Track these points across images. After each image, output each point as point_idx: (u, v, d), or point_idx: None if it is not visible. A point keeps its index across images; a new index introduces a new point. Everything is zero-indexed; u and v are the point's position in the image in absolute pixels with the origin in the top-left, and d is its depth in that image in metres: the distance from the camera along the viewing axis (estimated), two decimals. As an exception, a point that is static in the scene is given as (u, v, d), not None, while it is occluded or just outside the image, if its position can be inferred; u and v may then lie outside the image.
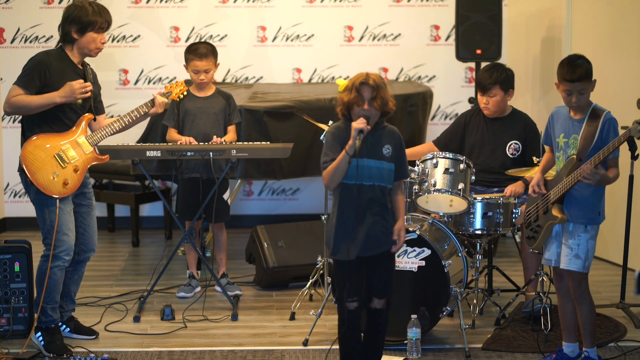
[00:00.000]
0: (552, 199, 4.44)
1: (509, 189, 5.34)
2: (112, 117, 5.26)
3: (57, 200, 4.71)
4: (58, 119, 4.76)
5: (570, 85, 4.35)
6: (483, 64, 6.47)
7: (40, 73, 4.69)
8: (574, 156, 4.35)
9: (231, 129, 5.85)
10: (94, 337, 5.04)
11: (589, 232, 4.40)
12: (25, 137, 4.77)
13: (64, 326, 5.03)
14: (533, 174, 5.17)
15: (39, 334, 4.82)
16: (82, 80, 4.75)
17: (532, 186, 4.57)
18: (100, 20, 4.79)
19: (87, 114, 4.85)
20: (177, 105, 5.81)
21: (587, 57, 4.43)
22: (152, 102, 5.02)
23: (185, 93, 5.38)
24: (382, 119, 4.21)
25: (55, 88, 4.70)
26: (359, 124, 4.08)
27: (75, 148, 4.79)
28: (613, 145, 4.20)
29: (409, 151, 5.85)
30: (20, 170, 4.75)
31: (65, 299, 5.02)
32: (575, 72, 4.35)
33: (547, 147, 4.64)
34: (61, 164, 4.73)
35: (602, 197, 4.42)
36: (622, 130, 4.24)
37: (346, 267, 4.20)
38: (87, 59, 4.92)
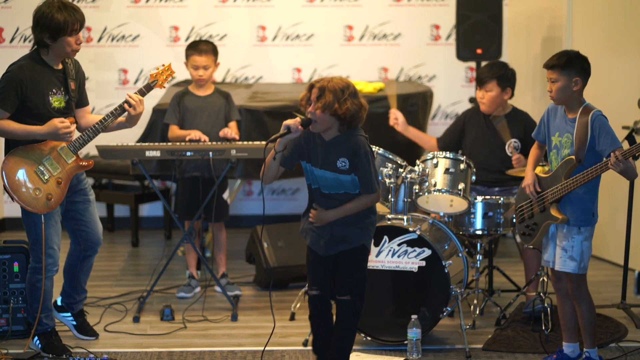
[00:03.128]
0: (550, 198, 4.42)
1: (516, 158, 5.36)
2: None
3: (42, 216, 4.62)
4: None
5: (546, 71, 4.35)
6: (483, 64, 6.46)
7: (16, 90, 4.52)
8: (572, 157, 4.33)
9: (232, 124, 5.85)
10: (94, 338, 5.02)
11: (582, 234, 4.39)
12: (9, 147, 4.65)
13: (72, 318, 5.01)
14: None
15: (36, 338, 4.82)
16: (63, 120, 4.56)
17: (527, 186, 4.53)
18: (71, 21, 4.53)
19: (67, 119, 4.66)
20: (178, 102, 5.81)
21: (588, 57, 4.41)
22: (128, 103, 4.68)
23: (174, 76, 4.95)
24: (345, 128, 4.06)
25: (33, 101, 4.56)
26: (290, 120, 4.04)
27: (56, 159, 4.64)
28: (630, 152, 4.16)
29: (414, 132, 5.89)
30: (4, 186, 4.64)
31: (77, 289, 4.99)
32: (552, 59, 4.35)
33: (536, 142, 4.61)
34: (43, 178, 4.61)
35: (596, 199, 4.40)
36: (623, 131, 4.23)
37: (311, 255, 4.25)
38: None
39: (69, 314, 5.03)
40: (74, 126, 4.64)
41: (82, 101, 4.83)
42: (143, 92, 4.76)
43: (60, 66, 4.68)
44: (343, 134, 4.09)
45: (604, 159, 4.23)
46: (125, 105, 4.68)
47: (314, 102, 4.02)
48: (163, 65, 4.91)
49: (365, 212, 4.18)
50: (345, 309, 4.19)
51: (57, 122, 4.56)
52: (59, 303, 5.06)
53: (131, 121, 4.77)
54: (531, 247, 4.60)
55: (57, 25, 4.51)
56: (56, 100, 4.65)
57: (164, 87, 4.89)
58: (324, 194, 4.15)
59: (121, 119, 4.76)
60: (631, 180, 4.29)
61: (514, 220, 4.73)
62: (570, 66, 4.33)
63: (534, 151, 4.61)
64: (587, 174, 4.25)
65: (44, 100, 4.60)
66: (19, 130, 4.56)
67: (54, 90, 4.63)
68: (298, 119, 4.05)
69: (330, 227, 4.16)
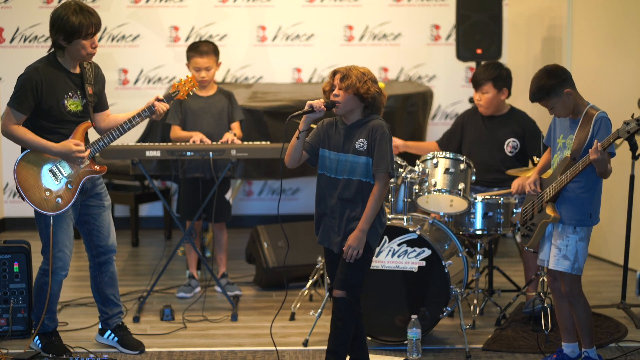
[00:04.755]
0: (546, 197, 4.43)
1: (516, 183, 5.34)
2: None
3: (51, 218, 4.60)
4: (56, 132, 4.59)
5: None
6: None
7: (32, 92, 4.51)
8: (568, 156, 4.34)
9: (235, 125, 5.86)
10: (137, 352, 4.86)
11: (577, 234, 4.38)
12: (24, 148, 4.63)
13: (113, 335, 4.91)
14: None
15: (37, 337, 4.80)
16: (79, 143, 4.55)
17: (528, 185, 4.55)
18: (86, 25, 4.51)
19: (83, 123, 4.66)
20: (181, 103, 5.81)
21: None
22: (151, 110, 4.71)
23: (196, 89, 4.98)
24: (367, 112, 4.18)
25: (48, 103, 4.53)
26: (314, 100, 4.16)
27: (70, 162, 4.63)
28: (607, 141, 4.16)
29: (413, 144, 5.90)
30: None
31: (107, 304, 4.91)
32: (533, 94, 4.39)
33: (549, 148, 4.63)
34: (54, 180, 4.59)
35: (594, 199, 4.38)
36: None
37: (328, 257, 4.31)
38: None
39: (109, 332, 4.92)
40: (87, 152, 4.61)
41: (102, 105, 4.80)
42: (164, 101, 4.77)
43: (77, 70, 4.66)
44: (364, 118, 4.19)
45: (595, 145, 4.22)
46: (154, 117, 4.72)
47: (338, 85, 4.15)
48: (187, 76, 4.89)
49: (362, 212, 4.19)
50: (341, 306, 4.21)
51: (72, 145, 4.56)
52: (100, 326, 4.97)
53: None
54: (532, 250, 4.59)
55: (71, 27, 4.50)
56: (72, 104, 4.61)
57: (185, 98, 4.90)
58: (335, 179, 4.18)
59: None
60: (601, 176, 4.29)
61: (518, 224, 4.73)
62: (552, 88, 4.33)
63: (545, 156, 4.62)
64: (575, 167, 4.27)
65: (59, 104, 4.57)
66: (33, 142, 4.54)
67: (69, 93, 4.60)
68: (322, 100, 4.17)
69: (345, 225, 4.19)
